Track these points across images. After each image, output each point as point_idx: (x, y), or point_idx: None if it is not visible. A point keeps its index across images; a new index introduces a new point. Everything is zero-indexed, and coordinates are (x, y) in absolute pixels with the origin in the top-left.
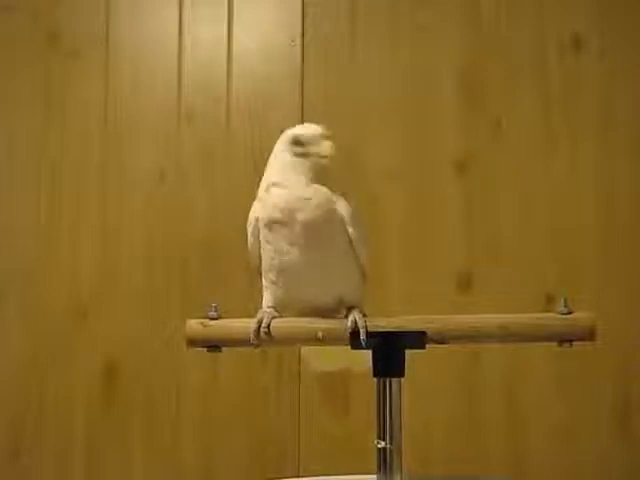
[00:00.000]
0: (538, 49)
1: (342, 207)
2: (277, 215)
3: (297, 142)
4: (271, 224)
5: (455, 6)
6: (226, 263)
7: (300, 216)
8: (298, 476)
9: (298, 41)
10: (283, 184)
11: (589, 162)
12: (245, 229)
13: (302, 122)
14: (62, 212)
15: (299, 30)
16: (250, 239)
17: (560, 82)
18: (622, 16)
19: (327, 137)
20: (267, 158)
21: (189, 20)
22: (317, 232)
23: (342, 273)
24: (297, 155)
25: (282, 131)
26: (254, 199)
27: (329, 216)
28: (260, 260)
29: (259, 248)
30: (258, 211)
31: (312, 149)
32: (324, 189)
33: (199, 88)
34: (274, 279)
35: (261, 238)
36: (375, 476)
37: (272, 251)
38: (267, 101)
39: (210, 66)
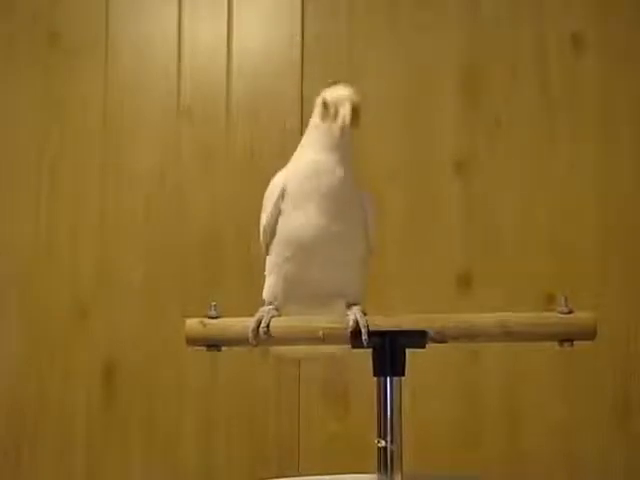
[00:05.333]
0: (538, 49)
1: (366, 197)
2: (303, 183)
3: (324, 105)
4: (297, 191)
5: (455, 6)
6: (226, 262)
7: (324, 186)
8: (298, 475)
9: (298, 40)
10: (308, 152)
11: (589, 162)
12: (245, 225)
13: (302, 121)
14: (62, 212)
15: (299, 29)
16: (270, 210)
17: (560, 82)
18: (622, 16)
19: (351, 101)
20: (267, 157)
21: (188, 19)
22: (339, 205)
23: (354, 260)
24: (323, 119)
25: (282, 130)
26: (254, 198)
27: (351, 194)
28: (274, 235)
29: (276, 219)
30: (285, 178)
31: (333, 114)
32: (349, 153)
33: (199, 87)
34: (289, 255)
35: (283, 208)
36: (375, 475)
37: (294, 221)
38: (267, 100)
39: (210, 65)
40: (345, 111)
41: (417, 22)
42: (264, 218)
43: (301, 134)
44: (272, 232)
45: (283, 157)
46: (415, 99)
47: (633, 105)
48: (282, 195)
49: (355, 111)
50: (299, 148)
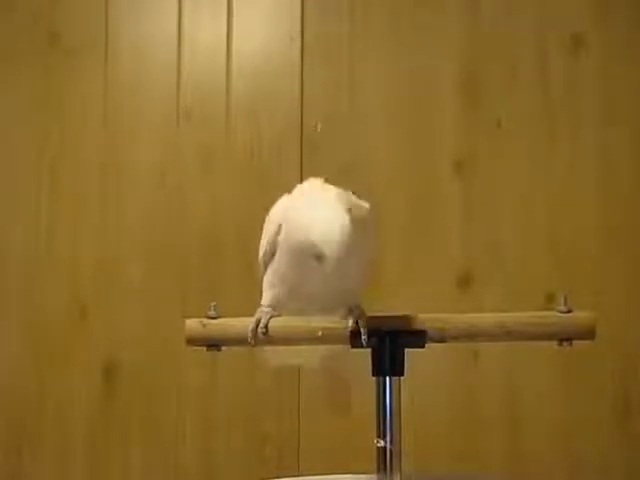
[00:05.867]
0: (538, 49)
1: (365, 218)
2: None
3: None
4: (293, 242)
5: (455, 6)
6: (226, 262)
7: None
8: (298, 475)
9: (297, 39)
10: (305, 212)
11: (589, 162)
12: (245, 225)
13: (301, 121)
14: (62, 212)
15: (298, 28)
16: (267, 239)
17: (560, 82)
18: (622, 16)
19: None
20: (266, 156)
21: (188, 19)
22: (346, 258)
23: (355, 277)
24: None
25: (282, 130)
26: (254, 198)
27: (357, 240)
28: (270, 259)
29: (274, 249)
30: (283, 219)
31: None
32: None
33: (199, 87)
34: (285, 278)
35: (281, 240)
36: (375, 475)
37: (292, 263)
38: (266, 100)
39: (209, 65)
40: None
41: (417, 22)
42: (262, 244)
43: (301, 134)
44: (270, 257)
45: (283, 157)
46: (415, 99)
47: (633, 105)
48: (278, 232)
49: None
50: (300, 194)
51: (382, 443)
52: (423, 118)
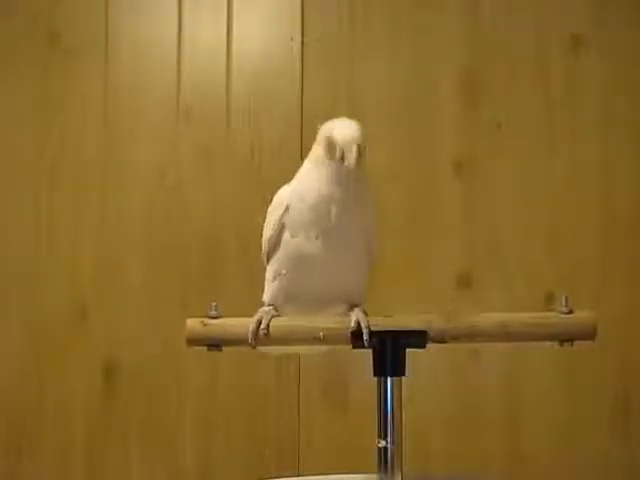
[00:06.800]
0: (538, 49)
1: (368, 205)
2: (306, 212)
3: (329, 145)
4: (300, 218)
5: (455, 6)
6: (226, 262)
7: (327, 220)
8: (298, 475)
9: (298, 40)
10: (313, 181)
11: (589, 162)
12: (245, 225)
13: (301, 121)
14: (62, 212)
15: (299, 29)
16: (273, 226)
17: (560, 82)
18: (622, 16)
19: (358, 144)
20: (267, 157)
21: (188, 19)
22: (342, 235)
23: (356, 268)
24: (329, 156)
25: (282, 130)
26: (254, 198)
27: (358, 216)
28: (275, 248)
29: (279, 235)
30: (289, 199)
31: (339, 156)
32: (355, 187)
33: (199, 87)
34: (290, 268)
35: (286, 226)
36: (375, 475)
37: (296, 242)
38: (267, 100)
39: (209, 65)
40: (352, 155)
41: (417, 22)
42: (267, 232)
43: (301, 134)
44: (274, 246)
45: (283, 157)
46: (415, 99)
47: (633, 105)
48: (285, 214)
49: (360, 153)
50: (305, 169)
51: (383, 443)
52: (423, 118)
